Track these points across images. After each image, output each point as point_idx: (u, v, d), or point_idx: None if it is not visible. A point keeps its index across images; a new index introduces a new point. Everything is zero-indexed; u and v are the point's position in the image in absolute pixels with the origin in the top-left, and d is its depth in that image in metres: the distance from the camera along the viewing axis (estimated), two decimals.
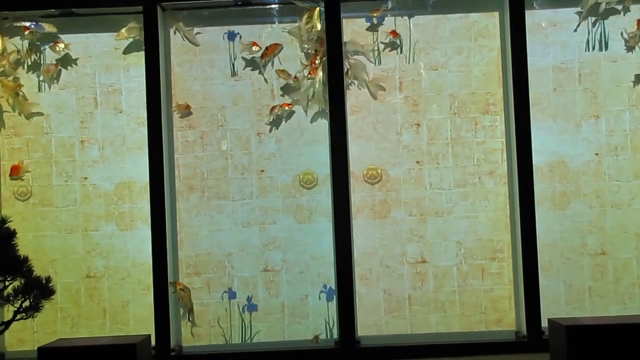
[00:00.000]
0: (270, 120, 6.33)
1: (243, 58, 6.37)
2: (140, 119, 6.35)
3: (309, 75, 6.25)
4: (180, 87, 6.40)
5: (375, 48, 6.36)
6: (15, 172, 6.31)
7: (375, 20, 6.36)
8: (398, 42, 6.33)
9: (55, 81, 6.41)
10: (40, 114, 6.39)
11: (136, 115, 6.39)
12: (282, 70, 6.32)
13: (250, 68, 6.37)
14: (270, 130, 6.35)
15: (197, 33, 6.39)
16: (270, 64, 6.37)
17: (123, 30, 6.32)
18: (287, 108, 6.30)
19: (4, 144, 6.41)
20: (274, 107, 6.31)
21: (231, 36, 6.41)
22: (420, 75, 6.37)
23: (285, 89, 6.34)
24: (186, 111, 6.34)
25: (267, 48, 6.32)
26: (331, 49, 6.19)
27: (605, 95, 6.31)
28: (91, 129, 6.43)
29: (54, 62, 6.39)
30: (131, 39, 6.37)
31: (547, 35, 6.35)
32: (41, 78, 6.41)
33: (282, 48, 6.32)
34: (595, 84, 6.31)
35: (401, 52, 6.36)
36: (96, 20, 6.41)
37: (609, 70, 6.31)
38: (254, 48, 6.29)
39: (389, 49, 6.35)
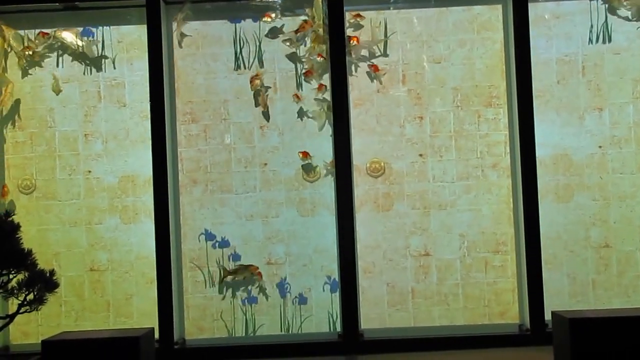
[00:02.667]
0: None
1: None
2: (144, 112, 6.35)
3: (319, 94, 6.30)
4: (183, 81, 6.40)
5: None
6: (4, 195, 6.33)
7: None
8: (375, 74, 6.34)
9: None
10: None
11: (139, 109, 6.40)
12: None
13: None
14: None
15: (191, 39, 6.41)
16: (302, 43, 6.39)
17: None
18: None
19: (8, 137, 6.42)
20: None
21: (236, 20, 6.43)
22: (424, 68, 6.36)
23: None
24: (313, 75, 6.30)
25: (304, 22, 6.29)
26: (334, 42, 6.19)
27: (609, 87, 6.29)
28: (95, 122, 6.44)
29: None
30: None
31: (550, 28, 6.33)
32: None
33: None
34: (599, 76, 6.30)
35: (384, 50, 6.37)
36: (99, 13, 6.41)
37: (612, 62, 6.30)
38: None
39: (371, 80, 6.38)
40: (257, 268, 6.24)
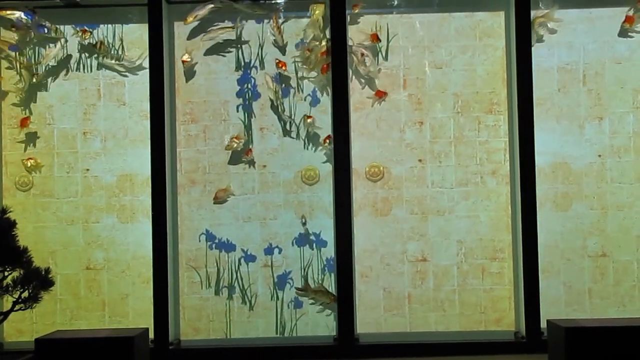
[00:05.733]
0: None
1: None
2: (143, 111, 6.34)
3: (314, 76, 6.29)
4: (183, 81, 6.38)
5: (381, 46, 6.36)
6: (23, 124, 6.33)
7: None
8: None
9: (104, 57, 6.39)
10: None
11: (139, 108, 6.39)
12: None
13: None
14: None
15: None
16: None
17: None
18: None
19: (6, 134, 6.40)
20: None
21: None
22: (425, 74, 6.36)
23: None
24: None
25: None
26: (335, 45, 6.18)
27: (610, 97, 6.29)
28: (94, 120, 6.42)
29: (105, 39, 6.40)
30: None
31: (552, 36, 6.33)
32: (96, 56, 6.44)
33: None
34: (600, 85, 6.30)
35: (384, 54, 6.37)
36: (100, 11, 6.40)
37: (613, 71, 6.29)
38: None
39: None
40: (335, 298, 6.18)
